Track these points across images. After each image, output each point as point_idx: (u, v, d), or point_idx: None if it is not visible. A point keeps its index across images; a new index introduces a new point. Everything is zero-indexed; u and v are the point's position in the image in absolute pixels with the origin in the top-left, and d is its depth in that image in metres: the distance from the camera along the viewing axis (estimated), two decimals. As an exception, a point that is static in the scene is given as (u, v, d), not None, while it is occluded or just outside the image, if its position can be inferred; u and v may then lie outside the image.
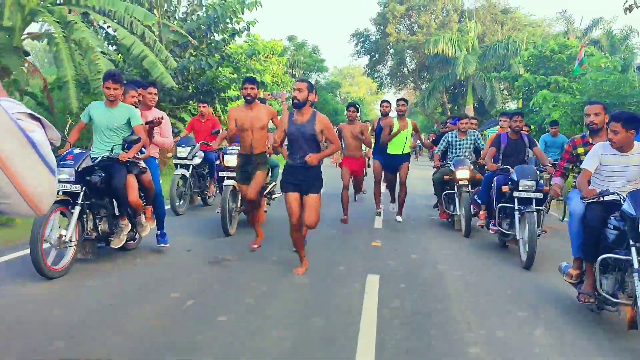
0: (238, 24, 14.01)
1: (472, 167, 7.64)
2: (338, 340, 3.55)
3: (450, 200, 7.89)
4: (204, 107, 8.93)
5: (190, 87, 14.00)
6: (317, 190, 5.04)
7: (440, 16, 36.91)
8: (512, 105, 32.90)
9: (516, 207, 5.98)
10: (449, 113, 33.82)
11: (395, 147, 7.92)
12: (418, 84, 40.50)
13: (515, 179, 6.00)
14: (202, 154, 8.63)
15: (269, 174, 7.55)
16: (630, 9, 12.79)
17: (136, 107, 5.39)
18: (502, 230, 6.28)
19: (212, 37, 13.82)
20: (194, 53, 13.51)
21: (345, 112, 8.09)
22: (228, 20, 13.69)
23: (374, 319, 3.92)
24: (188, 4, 14.33)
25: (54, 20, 9.89)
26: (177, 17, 14.09)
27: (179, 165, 8.39)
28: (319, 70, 43.32)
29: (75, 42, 10.08)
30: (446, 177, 7.76)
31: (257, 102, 5.67)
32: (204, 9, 14.20)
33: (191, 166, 8.35)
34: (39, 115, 0.94)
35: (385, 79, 41.74)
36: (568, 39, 30.65)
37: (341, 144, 7.67)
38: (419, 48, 35.59)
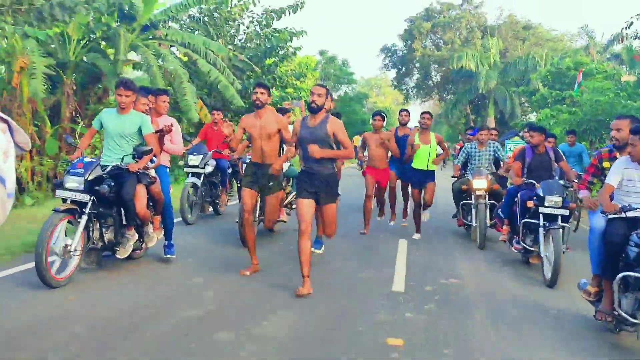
0: (287, 50, 16.60)
1: (490, 177, 7.57)
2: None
3: (468, 210, 7.88)
4: (217, 114, 8.84)
5: (245, 104, 16.63)
6: (334, 200, 5.01)
7: (464, 33, 39.03)
8: (531, 117, 34.72)
9: (541, 224, 5.86)
10: (472, 124, 35.84)
11: (418, 162, 7.66)
12: (443, 96, 42.61)
13: (541, 195, 5.87)
14: (214, 162, 8.52)
15: (290, 184, 7.58)
16: (621, 39, 14.92)
17: (147, 114, 5.37)
18: (526, 246, 6.18)
19: (265, 62, 16.41)
20: (251, 75, 16.10)
21: (371, 121, 7.87)
22: (279, 48, 16.29)
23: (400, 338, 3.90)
24: (245, 34, 16.96)
25: (150, 53, 12.53)
26: (235, 44, 16.72)
27: (190, 174, 8.28)
28: (348, 83, 45.84)
29: (167, 70, 12.73)
30: (464, 186, 7.77)
31: (268, 109, 5.43)
32: (260, 37, 16.83)
33: (203, 174, 8.25)
34: (7, 117, 1.03)
35: (412, 91, 43.98)
36: (589, 53, 32.56)
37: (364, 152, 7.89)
38: (443, 63, 37.79)
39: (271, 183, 5.40)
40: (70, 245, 4.58)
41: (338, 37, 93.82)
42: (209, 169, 8.32)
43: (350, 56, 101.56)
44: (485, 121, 33.90)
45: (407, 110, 8.43)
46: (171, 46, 13.55)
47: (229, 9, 16.01)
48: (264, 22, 16.93)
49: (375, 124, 7.70)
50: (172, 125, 5.51)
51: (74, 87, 12.59)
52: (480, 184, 7.39)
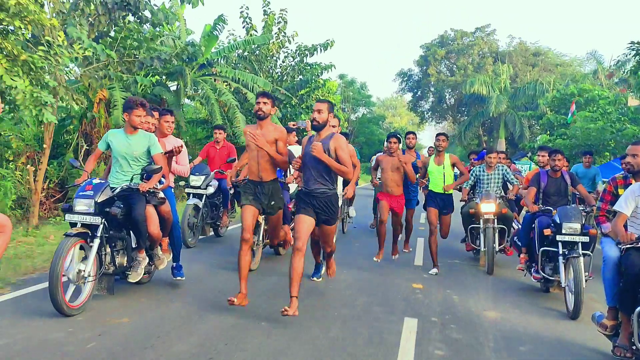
0: (317, 82, 19.12)
1: (499, 201, 7.42)
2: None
3: (477, 235, 7.73)
4: (219, 133, 8.52)
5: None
6: (333, 222, 4.92)
7: (477, 59, 41.38)
8: (545, 137, 36.66)
9: (560, 252, 5.65)
10: (484, 145, 37.92)
11: (435, 185, 7.38)
12: (457, 118, 44.87)
13: (558, 222, 5.66)
14: (217, 183, 8.27)
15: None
16: (610, 75, 17.18)
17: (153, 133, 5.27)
18: (545, 275, 5.95)
19: (299, 93, 18.90)
20: (287, 104, 18.55)
21: (386, 143, 7.27)
22: (312, 80, 18.80)
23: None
24: (281, 68, 19.53)
25: (208, 88, 15.01)
26: (274, 77, 19.25)
27: (191, 195, 7.98)
28: (366, 105, 48.31)
29: (224, 102, 15.20)
30: (471, 210, 7.62)
31: (269, 121, 5.05)
32: (295, 70, 19.37)
33: (204, 196, 7.97)
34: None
35: (427, 113, 46.31)
36: (597, 78, 34.59)
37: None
38: (457, 87, 40.15)
39: (272, 202, 5.11)
40: (84, 270, 4.48)
41: (356, 60, 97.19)
42: (210, 190, 8.04)
43: (368, 78, 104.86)
44: (497, 143, 36.02)
45: (413, 133, 8.25)
46: (224, 81, 16.03)
47: (268, 47, 18.57)
48: (297, 58, 19.48)
49: (391, 146, 7.11)
50: (181, 146, 5.50)
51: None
52: (488, 207, 7.23)
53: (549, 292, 6.31)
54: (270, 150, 4.91)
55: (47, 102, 7.25)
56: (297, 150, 6.79)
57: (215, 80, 15.79)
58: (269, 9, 18.39)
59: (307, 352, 4.07)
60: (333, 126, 5.23)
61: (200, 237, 8.22)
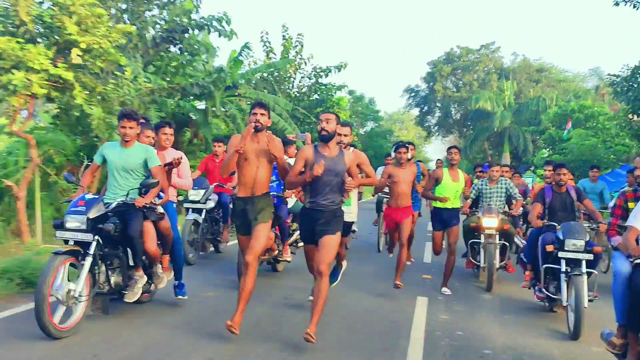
0: (332, 101, 20.66)
1: (501, 216, 7.29)
2: None
3: (478, 250, 7.50)
4: (219, 146, 8.22)
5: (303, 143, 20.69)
6: (335, 231, 4.56)
7: (482, 75, 42.86)
8: (544, 153, 37.97)
9: (563, 269, 5.48)
10: (489, 158, 39.18)
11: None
12: (463, 132, 46.23)
13: (561, 238, 5.51)
14: (216, 197, 8.04)
15: (295, 220, 7.21)
16: (602, 95, 18.58)
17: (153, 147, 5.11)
18: (549, 294, 5.77)
19: (315, 111, 20.42)
20: (304, 122, 20.04)
21: (393, 153, 6.88)
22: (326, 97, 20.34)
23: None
24: (298, 88, 21.11)
25: (234, 107, 16.52)
26: (292, 97, 20.81)
27: (190, 210, 7.78)
28: (374, 120, 49.83)
29: (246, 121, 16.70)
30: (473, 224, 7.42)
31: (265, 133, 4.67)
32: (310, 90, 20.94)
33: (204, 210, 7.77)
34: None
35: (434, 128, 47.75)
36: (599, 93, 35.93)
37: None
38: (462, 102, 41.57)
39: (259, 214, 4.66)
40: (75, 290, 4.25)
41: (365, 76, 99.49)
42: (210, 204, 7.84)
43: (375, 93, 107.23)
44: (501, 157, 37.31)
45: (412, 144, 7.72)
46: (248, 102, 17.56)
47: (286, 69, 20.17)
48: (312, 79, 21.06)
49: (401, 157, 6.67)
50: (180, 158, 5.22)
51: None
52: (490, 222, 7.09)
53: (554, 312, 6.08)
54: (362, 181, 5.14)
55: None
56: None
57: (239, 100, 17.31)
58: (287, 34, 20.01)
59: (344, 321, 5.34)
60: (345, 135, 5.22)
61: (201, 253, 8.05)
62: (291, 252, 7.32)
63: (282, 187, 6.53)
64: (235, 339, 4.51)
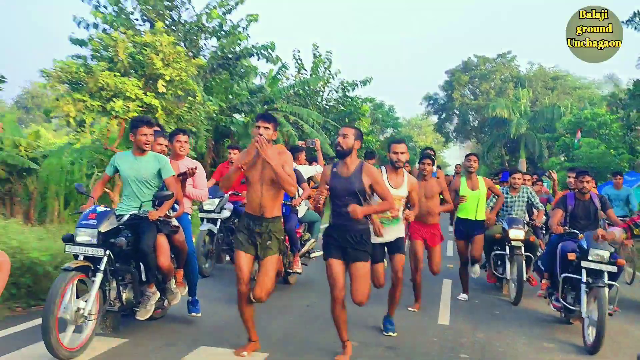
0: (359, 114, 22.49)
1: (526, 228, 7.10)
2: None
3: (500, 262, 7.27)
4: (234, 153, 7.84)
5: (334, 152, 22.45)
6: (366, 258, 4.37)
7: (498, 83, 44.27)
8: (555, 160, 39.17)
9: (584, 279, 5.27)
10: (506, 164, 40.44)
11: (465, 211, 6.88)
12: (480, 137, 47.58)
13: (585, 247, 5.31)
14: (232, 206, 7.77)
15: (308, 230, 7.12)
16: (609, 109, 19.89)
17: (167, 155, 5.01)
18: (566, 305, 5.56)
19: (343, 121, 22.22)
20: (332, 131, 21.84)
21: (417, 164, 6.43)
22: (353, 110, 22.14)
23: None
24: (326, 101, 22.96)
25: (272, 121, 18.38)
26: (321, 109, 22.65)
27: (205, 220, 7.57)
28: (394, 127, 51.42)
29: (282, 132, 18.55)
30: (497, 235, 7.12)
31: (272, 146, 4.26)
32: (338, 102, 22.77)
33: (219, 220, 7.54)
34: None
35: (452, 134, 49.24)
36: (615, 100, 37.05)
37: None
38: (480, 110, 42.98)
39: (269, 242, 4.29)
40: (84, 309, 4.07)
41: (385, 84, 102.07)
42: (225, 213, 7.56)
43: (395, 100, 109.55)
44: (518, 163, 38.60)
45: (431, 150, 7.42)
46: (283, 115, 19.43)
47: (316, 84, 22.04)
48: (340, 92, 22.88)
49: (425, 169, 6.27)
50: (196, 168, 5.05)
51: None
52: (517, 234, 6.89)
53: (570, 324, 5.93)
54: (372, 209, 4.37)
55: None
56: (305, 170, 6.81)
57: (276, 113, 19.17)
58: (318, 52, 21.90)
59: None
60: (402, 153, 5.04)
61: (216, 264, 7.83)
62: (302, 264, 7.01)
63: (291, 196, 5.51)
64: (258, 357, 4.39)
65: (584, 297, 5.27)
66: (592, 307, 5.16)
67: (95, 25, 12.91)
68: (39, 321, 4.16)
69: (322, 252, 6.63)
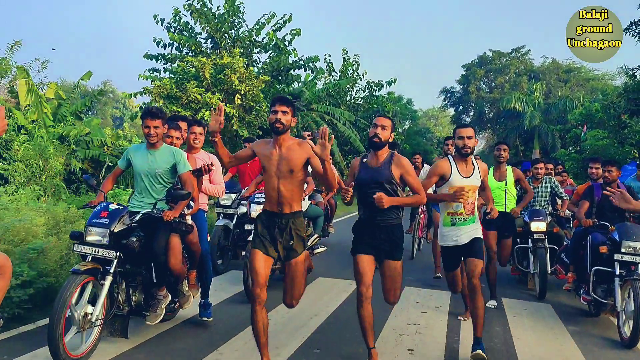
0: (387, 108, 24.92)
1: (549, 219, 6.93)
2: None
3: (524, 255, 7.15)
4: (245, 146, 7.18)
5: (364, 146, 24.82)
6: (399, 256, 4.09)
7: (513, 77, 46.09)
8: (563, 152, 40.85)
9: (617, 272, 5.16)
10: (521, 155, 42.26)
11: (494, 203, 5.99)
12: (496, 129, 49.43)
13: (617, 239, 5.22)
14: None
15: (311, 226, 6.92)
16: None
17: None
18: (597, 298, 5.45)
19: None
20: (362, 128, 24.24)
21: (445, 147, 6.49)
22: (380, 108, 24.49)
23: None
24: (354, 100, 25.38)
25: (310, 119, 20.77)
26: (349, 106, 25.07)
27: (221, 215, 7.37)
28: (412, 119, 53.44)
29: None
30: (519, 229, 6.88)
31: (289, 136, 3.87)
32: (365, 101, 25.18)
33: (235, 216, 7.31)
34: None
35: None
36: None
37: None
38: (495, 103, 44.90)
39: (291, 242, 3.88)
40: (92, 314, 3.82)
41: (404, 77, 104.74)
42: (242, 209, 7.22)
43: (413, 93, 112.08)
44: (532, 153, 40.44)
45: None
46: (319, 115, 21.88)
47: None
48: (366, 92, 25.27)
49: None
50: (212, 164, 4.69)
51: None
52: (539, 226, 6.75)
53: (598, 316, 5.85)
54: (400, 201, 4.03)
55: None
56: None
57: (312, 113, 21.60)
58: (347, 56, 24.30)
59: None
60: (469, 137, 4.47)
61: (232, 261, 7.53)
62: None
63: None
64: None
65: (618, 291, 5.16)
66: (627, 300, 5.09)
67: (171, 45, 15.36)
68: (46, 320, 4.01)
69: (325, 248, 7.18)
